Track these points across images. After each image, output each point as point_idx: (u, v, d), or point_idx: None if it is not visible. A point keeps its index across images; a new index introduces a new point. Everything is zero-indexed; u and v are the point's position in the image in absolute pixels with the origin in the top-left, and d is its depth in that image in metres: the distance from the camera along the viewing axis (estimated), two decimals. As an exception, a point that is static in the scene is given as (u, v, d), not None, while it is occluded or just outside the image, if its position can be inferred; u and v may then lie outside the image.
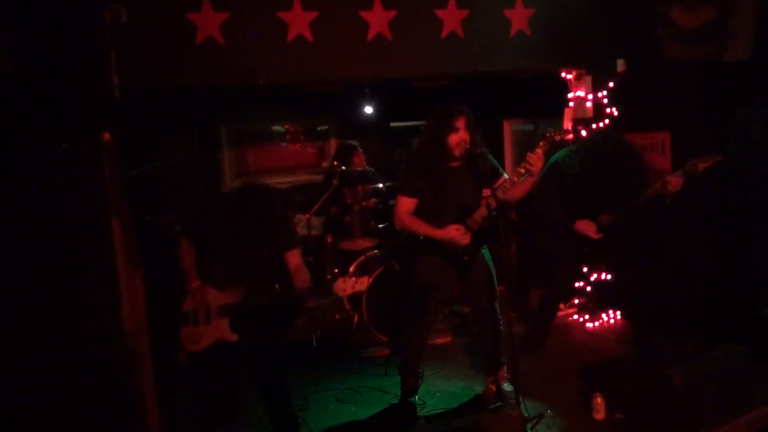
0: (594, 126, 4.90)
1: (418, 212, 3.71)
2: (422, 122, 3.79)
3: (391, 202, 4.85)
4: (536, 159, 3.43)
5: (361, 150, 5.66)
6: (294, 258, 3.58)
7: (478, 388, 4.19)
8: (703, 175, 3.87)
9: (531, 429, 3.54)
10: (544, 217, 4.39)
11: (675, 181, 3.86)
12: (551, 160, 4.25)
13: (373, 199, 5.36)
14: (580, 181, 4.17)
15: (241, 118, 6.55)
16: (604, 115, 4.88)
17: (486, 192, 3.58)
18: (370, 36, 4.03)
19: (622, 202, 4.10)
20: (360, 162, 5.59)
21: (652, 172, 4.51)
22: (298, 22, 3.85)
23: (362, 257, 5.24)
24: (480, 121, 3.68)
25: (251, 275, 3.49)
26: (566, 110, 5.09)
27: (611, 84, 4.86)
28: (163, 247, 3.81)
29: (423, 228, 3.66)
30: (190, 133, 6.16)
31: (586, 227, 4.10)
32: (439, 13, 4.17)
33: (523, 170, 3.50)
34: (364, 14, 4.00)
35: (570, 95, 5.02)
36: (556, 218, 4.24)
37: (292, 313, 5.34)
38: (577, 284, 5.17)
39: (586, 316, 5.26)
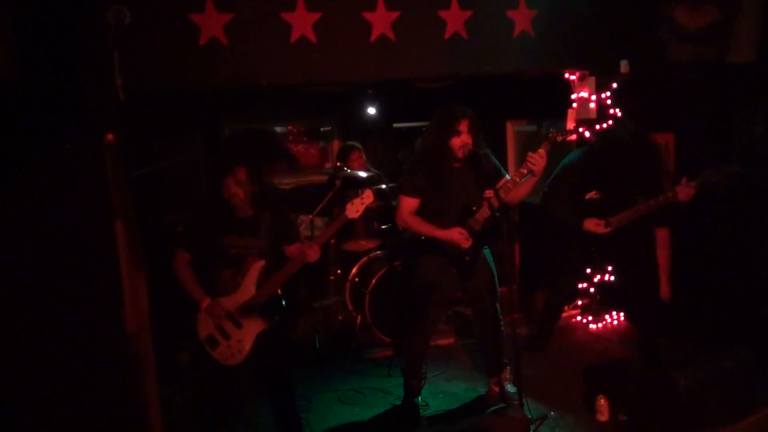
0: (597, 127, 4.90)
1: (420, 212, 3.70)
2: (425, 123, 3.78)
3: (394, 203, 4.85)
4: (538, 158, 3.42)
5: (360, 150, 5.66)
6: (293, 249, 3.48)
7: (481, 390, 4.19)
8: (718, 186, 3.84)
9: (534, 430, 3.53)
10: (553, 217, 4.37)
11: (686, 192, 3.82)
12: (564, 161, 4.25)
13: (376, 201, 5.35)
14: (592, 180, 4.16)
15: (245, 119, 6.56)
16: (607, 116, 4.88)
17: (488, 193, 3.57)
18: (374, 37, 4.03)
19: (635, 202, 4.07)
20: (359, 161, 5.58)
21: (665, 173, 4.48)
22: (302, 23, 3.86)
23: (365, 258, 5.24)
24: (483, 122, 3.67)
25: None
26: (569, 111, 5.08)
27: (615, 85, 4.85)
28: (167, 248, 3.80)
29: (425, 228, 3.66)
30: (193, 134, 6.17)
31: (595, 225, 4.08)
32: (442, 14, 4.17)
33: (525, 170, 3.50)
34: (368, 15, 4.00)
35: (573, 96, 5.01)
36: (566, 218, 4.23)
37: (296, 312, 5.35)
38: (580, 285, 5.16)
39: (590, 318, 5.26)
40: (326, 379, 4.53)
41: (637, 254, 4.29)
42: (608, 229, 4.05)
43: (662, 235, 4.38)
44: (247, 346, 3.35)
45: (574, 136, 4.34)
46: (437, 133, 3.62)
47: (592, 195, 4.16)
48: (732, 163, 3.81)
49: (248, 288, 3.36)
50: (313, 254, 3.30)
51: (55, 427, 3.15)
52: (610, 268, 4.82)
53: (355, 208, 3.28)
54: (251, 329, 3.36)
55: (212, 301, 3.35)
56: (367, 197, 3.28)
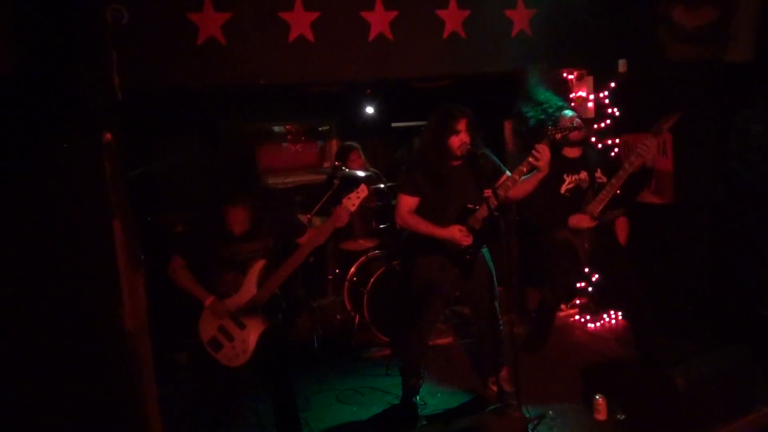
0: (595, 126, 4.90)
1: (419, 211, 3.70)
2: (423, 122, 3.78)
3: (392, 202, 4.85)
4: (541, 151, 3.42)
5: (359, 150, 5.66)
6: (305, 239, 3.49)
7: (480, 389, 4.18)
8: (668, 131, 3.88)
9: (532, 430, 3.53)
10: (537, 227, 4.38)
11: (649, 147, 3.81)
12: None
13: (374, 200, 5.36)
14: (560, 174, 4.17)
15: (243, 118, 6.55)
16: (605, 116, 4.88)
17: (487, 192, 3.58)
18: (372, 36, 4.04)
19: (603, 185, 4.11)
20: (358, 161, 5.59)
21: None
22: (300, 22, 3.86)
23: (363, 257, 5.24)
24: (481, 121, 3.67)
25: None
26: (568, 110, 5.08)
27: (613, 84, 4.86)
28: (165, 247, 3.79)
29: (425, 226, 3.65)
30: (191, 133, 6.17)
31: (579, 220, 4.08)
32: (440, 13, 4.18)
33: (525, 168, 3.50)
34: (366, 14, 4.01)
35: (571, 95, 5.01)
36: (547, 225, 4.24)
37: (294, 311, 5.35)
38: (578, 285, 5.16)
39: (588, 317, 5.26)
40: (325, 378, 4.53)
41: (623, 254, 4.31)
42: (595, 222, 4.05)
43: (621, 221, 4.66)
44: (251, 346, 3.34)
45: (573, 134, 4.33)
46: (436, 132, 3.61)
47: (568, 186, 4.17)
48: (676, 112, 3.81)
49: (249, 288, 3.35)
50: (345, 215, 3.35)
51: (53, 427, 3.14)
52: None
53: (351, 203, 3.32)
54: (254, 329, 3.36)
55: (215, 299, 3.34)
56: (362, 191, 3.33)
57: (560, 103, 4.25)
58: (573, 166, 4.19)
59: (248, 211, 3.35)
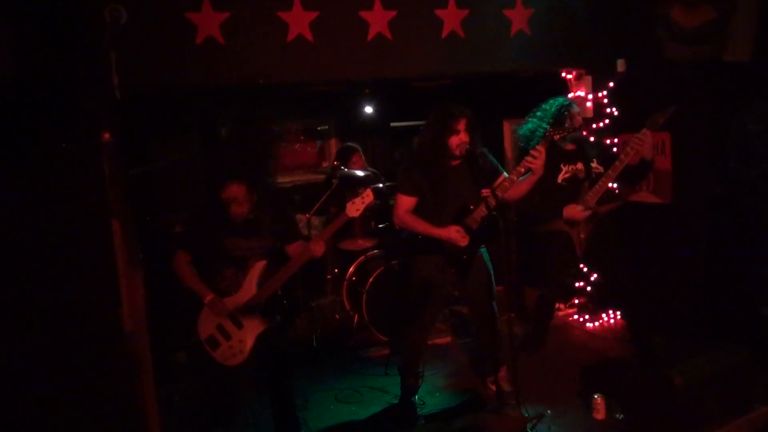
0: (594, 126, 4.90)
1: (417, 211, 3.70)
2: (422, 122, 3.78)
3: (391, 202, 4.86)
4: (535, 157, 3.43)
5: (360, 152, 5.67)
6: (295, 248, 3.47)
7: (478, 388, 4.19)
8: (663, 126, 3.88)
9: (531, 429, 3.53)
10: (533, 216, 4.38)
11: (643, 141, 3.83)
12: None
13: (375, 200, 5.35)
14: (556, 166, 4.18)
15: (242, 118, 6.55)
16: (604, 115, 4.89)
17: (486, 192, 3.58)
18: (370, 36, 4.04)
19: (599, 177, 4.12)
20: (359, 163, 5.59)
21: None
22: (299, 21, 3.86)
23: (362, 257, 5.24)
24: (480, 121, 3.68)
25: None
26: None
27: (611, 84, 4.86)
28: (164, 247, 3.79)
29: (422, 226, 3.66)
30: (190, 133, 6.17)
31: (573, 211, 4.09)
32: (439, 12, 4.18)
33: (522, 169, 3.51)
34: (364, 14, 4.01)
35: (570, 95, 5.01)
36: (540, 213, 4.25)
37: (294, 311, 5.35)
38: (577, 284, 5.16)
39: (586, 316, 5.27)
40: (323, 377, 4.53)
41: (618, 249, 4.32)
42: (588, 213, 4.06)
43: None
44: (248, 346, 3.34)
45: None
46: (435, 132, 3.61)
47: (565, 176, 4.18)
48: (672, 106, 3.84)
49: (249, 287, 3.35)
50: (319, 249, 3.31)
51: (53, 427, 3.14)
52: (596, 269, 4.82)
53: (355, 207, 3.31)
54: (252, 329, 3.36)
55: (215, 297, 3.34)
56: (367, 196, 3.30)
57: (567, 102, 4.24)
58: (569, 157, 4.21)
59: (247, 190, 3.29)
